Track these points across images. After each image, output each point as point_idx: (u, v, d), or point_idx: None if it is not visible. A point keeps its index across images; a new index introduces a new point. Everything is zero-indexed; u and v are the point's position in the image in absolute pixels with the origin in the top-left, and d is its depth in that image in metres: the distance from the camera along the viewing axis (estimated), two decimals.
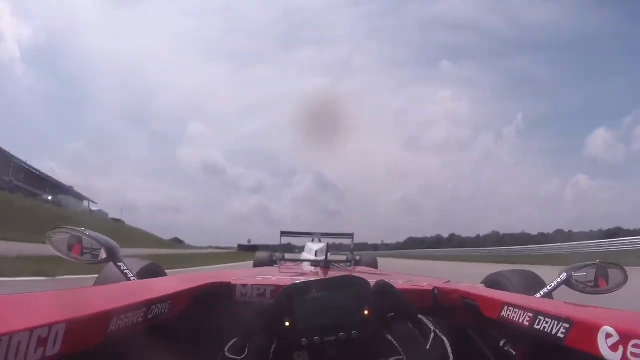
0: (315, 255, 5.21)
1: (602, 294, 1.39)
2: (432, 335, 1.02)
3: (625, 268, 1.42)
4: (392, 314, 1.02)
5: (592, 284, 1.40)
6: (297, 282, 1.04)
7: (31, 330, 0.52)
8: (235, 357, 0.97)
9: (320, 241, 7.57)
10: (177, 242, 50.58)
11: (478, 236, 59.82)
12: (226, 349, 1.00)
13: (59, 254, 1.41)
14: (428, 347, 1.00)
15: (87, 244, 1.40)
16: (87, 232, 1.39)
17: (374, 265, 5.27)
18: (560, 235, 40.84)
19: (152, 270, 1.64)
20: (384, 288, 1.04)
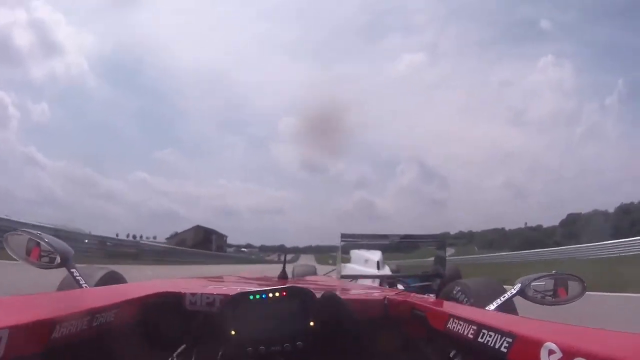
0: (378, 267, 4.39)
1: (560, 304, 1.40)
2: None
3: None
4: (337, 325, 1.02)
5: (551, 293, 1.40)
6: (240, 291, 1.04)
7: None
8: None
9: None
10: None
11: None
12: (174, 354, 1.01)
13: (16, 257, 1.39)
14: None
15: (45, 248, 1.38)
16: (42, 236, 1.37)
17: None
18: None
19: (111, 278, 1.61)
20: (330, 299, 1.04)
